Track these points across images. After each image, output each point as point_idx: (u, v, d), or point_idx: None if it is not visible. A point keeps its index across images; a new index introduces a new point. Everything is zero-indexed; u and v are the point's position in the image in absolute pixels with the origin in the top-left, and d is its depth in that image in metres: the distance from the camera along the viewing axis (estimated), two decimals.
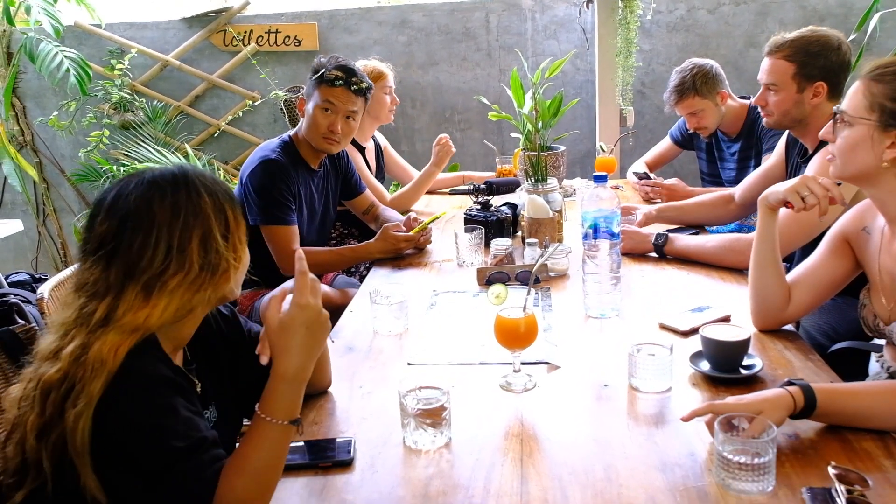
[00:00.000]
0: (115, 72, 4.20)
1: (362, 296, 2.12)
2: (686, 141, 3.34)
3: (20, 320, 1.54)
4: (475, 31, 4.17)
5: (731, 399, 1.27)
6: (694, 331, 1.69)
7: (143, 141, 4.16)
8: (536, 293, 2.06)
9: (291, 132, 2.60)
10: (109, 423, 1.02)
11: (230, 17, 4.22)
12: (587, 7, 3.94)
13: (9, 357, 1.45)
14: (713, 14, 4.05)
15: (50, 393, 1.04)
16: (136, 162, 3.99)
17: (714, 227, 2.86)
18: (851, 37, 3.80)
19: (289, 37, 4.20)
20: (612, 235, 1.83)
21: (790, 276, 1.71)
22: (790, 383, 1.28)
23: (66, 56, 3.99)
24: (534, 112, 3.27)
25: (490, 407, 1.45)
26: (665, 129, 3.51)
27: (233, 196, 1.25)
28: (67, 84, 3.97)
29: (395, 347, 1.78)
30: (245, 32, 4.21)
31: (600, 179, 1.85)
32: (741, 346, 1.51)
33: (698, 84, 2.96)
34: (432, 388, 1.35)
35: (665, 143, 3.43)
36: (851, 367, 1.75)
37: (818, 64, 2.15)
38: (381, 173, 3.40)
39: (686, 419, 1.28)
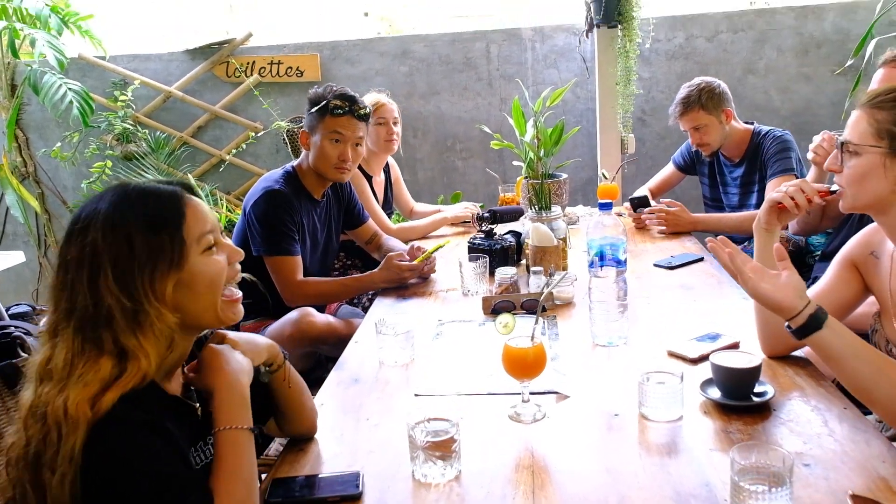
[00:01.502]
0: (119, 103, 4.22)
1: (367, 326, 2.11)
2: (689, 166, 3.35)
3: (23, 353, 1.52)
4: (476, 60, 4.20)
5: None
6: (703, 358, 1.68)
7: (145, 172, 4.17)
8: (543, 322, 2.04)
9: (294, 163, 2.60)
10: (94, 482, 1.00)
11: (233, 49, 4.25)
12: (587, 36, 3.98)
13: (11, 391, 1.43)
14: (711, 42, 4.09)
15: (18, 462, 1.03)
16: None
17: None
18: (849, 62, 3.84)
19: (291, 68, 4.23)
20: (618, 263, 1.82)
21: None
22: None
23: (69, 88, 4.02)
24: (536, 140, 3.29)
25: (499, 438, 1.43)
26: (666, 156, 3.52)
27: (156, 220, 1.13)
28: (70, 116, 3.99)
29: (401, 378, 1.76)
30: (248, 64, 4.24)
31: (605, 207, 1.85)
32: (752, 374, 1.49)
33: (704, 99, 2.98)
34: (441, 419, 1.33)
35: (668, 170, 3.44)
36: None
37: None
38: (388, 205, 3.40)
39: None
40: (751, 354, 1.53)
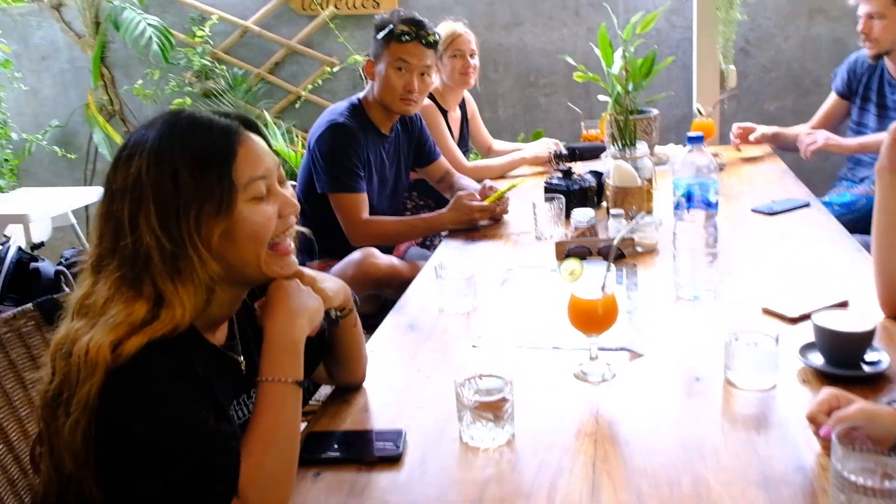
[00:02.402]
0: (197, 39, 4.17)
1: (430, 269, 1.98)
2: (851, 90, 2.90)
3: (66, 288, 1.47)
4: None
5: (860, 405, 1.05)
6: (805, 317, 1.46)
7: (223, 109, 4.13)
8: (620, 270, 1.85)
9: (360, 95, 2.46)
10: (108, 429, 0.91)
11: None
12: None
13: (51, 326, 1.38)
14: None
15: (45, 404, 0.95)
16: None
17: (827, 199, 2.57)
18: None
19: None
20: (709, 205, 1.60)
21: None
22: None
23: (148, 24, 3.99)
24: (623, 72, 3.02)
25: (561, 399, 1.28)
26: (772, 91, 3.19)
27: (204, 155, 1.01)
28: (150, 52, 3.97)
29: (460, 327, 1.62)
30: None
31: (696, 141, 1.62)
32: (864, 338, 1.27)
33: None
34: (494, 376, 1.18)
35: (830, 100, 2.97)
36: None
37: None
38: (464, 142, 3.22)
39: (811, 419, 1.07)
40: (863, 315, 1.30)
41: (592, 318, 1.31)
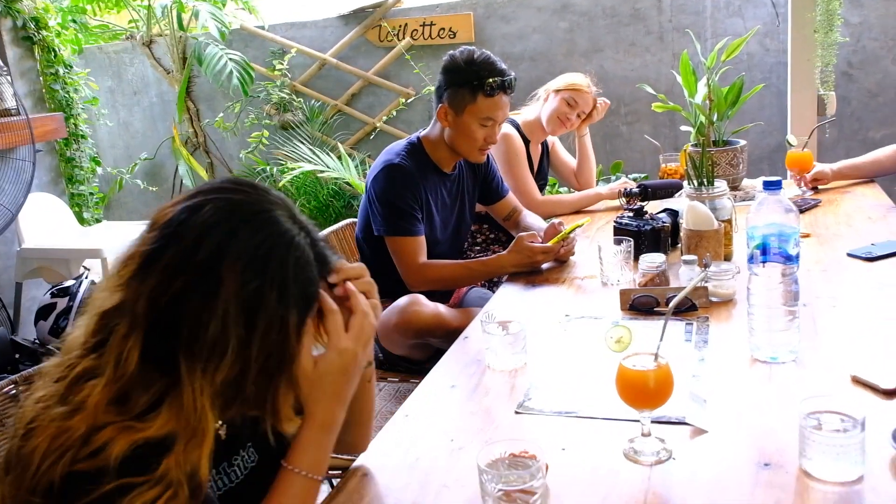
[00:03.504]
0: (276, 72, 4.24)
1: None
2: None
3: None
4: (645, 11, 3.73)
5: None
6: None
7: (301, 141, 4.16)
8: (690, 323, 1.68)
9: (421, 133, 2.38)
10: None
11: (385, 12, 4.11)
12: None
13: None
14: None
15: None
16: (291, 161, 3.99)
17: None
18: None
19: (443, 29, 4.01)
20: (788, 258, 1.41)
21: None
22: None
23: (230, 59, 4.08)
24: (707, 101, 2.83)
25: (607, 481, 1.13)
26: (878, 118, 2.90)
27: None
28: (231, 86, 4.05)
29: (505, 387, 1.49)
30: (400, 27, 4.08)
31: (773, 187, 1.44)
32: None
33: None
34: (526, 457, 1.05)
35: None
36: None
37: None
38: (542, 176, 3.09)
39: None
40: None
41: (643, 392, 1.16)
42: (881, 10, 3.42)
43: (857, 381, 1.34)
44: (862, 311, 1.66)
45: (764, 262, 1.42)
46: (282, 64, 4.21)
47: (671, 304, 1.21)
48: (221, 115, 4.43)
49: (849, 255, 2.01)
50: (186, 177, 4.52)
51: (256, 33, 4.37)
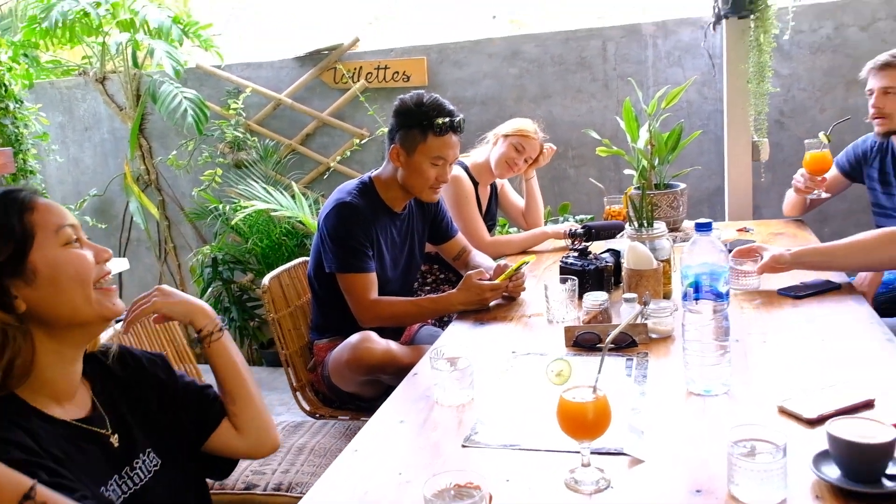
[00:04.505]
0: (231, 111, 4.27)
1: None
2: (855, 169, 2.81)
3: None
4: (591, 60, 3.89)
5: None
6: (824, 419, 1.34)
7: (255, 180, 4.18)
8: (630, 359, 1.75)
9: (373, 173, 2.45)
10: None
11: (340, 55, 4.19)
12: (714, 29, 3.57)
13: None
14: (866, 31, 3.56)
15: None
16: (244, 199, 4.00)
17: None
18: None
19: (398, 72, 4.11)
20: (718, 296, 1.50)
21: None
22: None
23: (185, 97, 4.10)
24: (649, 146, 2.96)
25: None
26: None
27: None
28: (185, 124, 4.06)
29: (453, 421, 1.53)
30: (355, 69, 4.16)
31: (704, 228, 1.53)
32: (883, 451, 1.15)
33: None
34: (471, 487, 1.10)
35: (831, 174, 2.84)
36: None
37: None
38: (490, 217, 3.18)
39: None
40: (882, 424, 1.18)
41: (582, 423, 1.22)
42: (808, 64, 3.64)
43: (784, 412, 1.42)
44: (790, 346, 1.75)
45: (696, 299, 1.51)
46: (237, 103, 4.25)
47: (608, 340, 1.28)
48: (175, 152, 4.42)
49: (780, 292, 2.12)
50: (137, 214, 4.48)
51: (212, 72, 4.40)
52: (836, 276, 2.19)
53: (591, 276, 2.21)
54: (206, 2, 5.38)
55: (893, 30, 3.53)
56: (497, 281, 2.23)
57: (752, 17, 3.29)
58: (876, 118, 2.57)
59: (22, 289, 1.08)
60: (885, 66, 2.53)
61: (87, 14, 4.12)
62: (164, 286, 1.43)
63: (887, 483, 1.14)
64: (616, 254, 2.34)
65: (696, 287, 1.51)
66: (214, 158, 4.35)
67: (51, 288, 1.08)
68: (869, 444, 1.15)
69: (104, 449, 1.13)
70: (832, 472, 1.18)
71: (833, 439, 1.18)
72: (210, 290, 4.13)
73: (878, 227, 2.62)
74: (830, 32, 3.60)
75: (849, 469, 1.16)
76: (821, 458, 1.21)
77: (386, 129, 4.04)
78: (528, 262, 2.31)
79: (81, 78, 4.67)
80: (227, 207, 4.10)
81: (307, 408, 2.42)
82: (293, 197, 4.01)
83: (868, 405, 1.41)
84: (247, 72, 4.38)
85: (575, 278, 2.11)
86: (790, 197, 2.93)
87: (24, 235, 1.08)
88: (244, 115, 4.31)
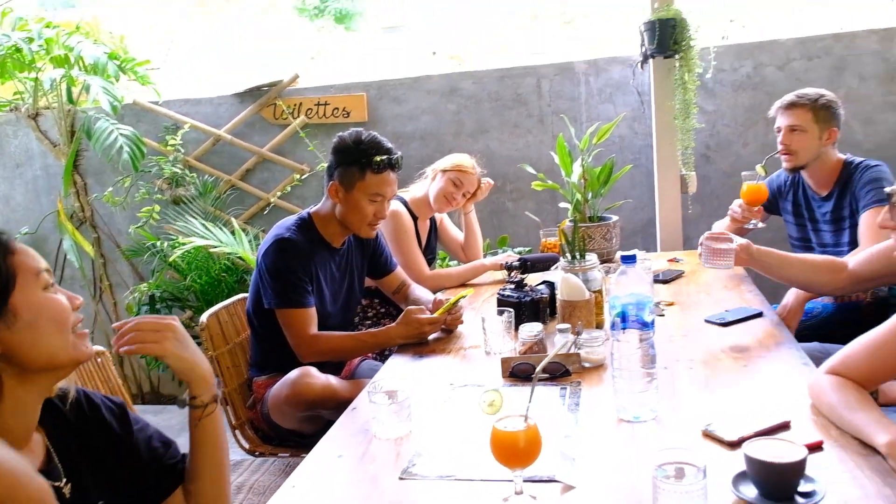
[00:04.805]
0: (169, 147, 4.24)
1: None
2: (772, 203, 2.96)
3: None
4: (526, 96, 4.01)
5: None
6: (744, 441, 1.41)
7: (193, 216, 4.15)
8: (563, 388, 1.80)
9: (312, 209, 2.47)
10: None
11: (280, 91, 4.21)
12: (642, 68, 3.73)
13: None
14: (783, 70, 3.77)
15: None
16: (183, 236, 3.96)
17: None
18: None
19: (338, 108, 4.15)
20: (644, 325, 1.57)
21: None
22: None
23: (120, 133, 4.05)
24: (582, 180, 3.06)
25: None
26: (733, 195, 3.20)
27: None
28: (121, 160, 4.01)
29: (390, 455, 1.55)
30: (295, 105, 4.19)
31: (629, 261, 1.61)
32: (794, 469, 1.22)
33: (819, 105, 2.66)
34: None
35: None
36: None
37: None
38: (430, 250, 3.22)
39: None
40: (793, 444, 1.25)
41: (513, 451, 1.26)
42: (731, 101, 3.82)
43: (707, 436, 1.49)
44: (714, 372, 1.83)
45: (624, 328, 1.58)
46: (175, 139, 4.22)
47: (538, 369, 1.33)
48: (111, 189, 4.35)
49: (706, 321, 2.22)
50: (71, 252, 4.38)
51: (150, 108, 4.37)
52: (760, 305, 2.31)
53: (527, 308, 2.27)
54: (144, 38, 5.35)
55: (807, 69, 3.75)
56: (435, 315, 2.27)
57: (676, 56, 3.45)
58: (784, 154, 2.73)
59: (1, 331, 1.05)
60: (791, 106, 2.70)
61: (18, 50, 4.06)
62: (181, 327, 1.28)
63: (800, 500, 1.21)
64: (551, 285, 2.41)
65: (623, 317, 1.57)
66: (152, 195, 4.30)
67: (30, 331, 1.07)
68: (781, 463, 1.22)
69: (59, 499, 1.10)
70: (750, 491, 1.24)
71: (749, 460, 1.24)
72: None
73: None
74: (750, 71, 3.80)
75: (764, 488, 1.23)
76: (739, 478, 1.28)
77: (326, 165, 4.09)
78: (465, 296, 2.36)
79: (13, 114, 4.57)
80: (165, 244, 4.04)
81: (246, 446, 2.40)
82: (233, 233, 3.99)
83: (784, 427, 1.49)
84: (185, 107, 4.36)
85: (511, 310, 2.17)
86: (724, 226, 3.04)
87: (7, 278, 1.06)
88: (183, 150, 4.28)
